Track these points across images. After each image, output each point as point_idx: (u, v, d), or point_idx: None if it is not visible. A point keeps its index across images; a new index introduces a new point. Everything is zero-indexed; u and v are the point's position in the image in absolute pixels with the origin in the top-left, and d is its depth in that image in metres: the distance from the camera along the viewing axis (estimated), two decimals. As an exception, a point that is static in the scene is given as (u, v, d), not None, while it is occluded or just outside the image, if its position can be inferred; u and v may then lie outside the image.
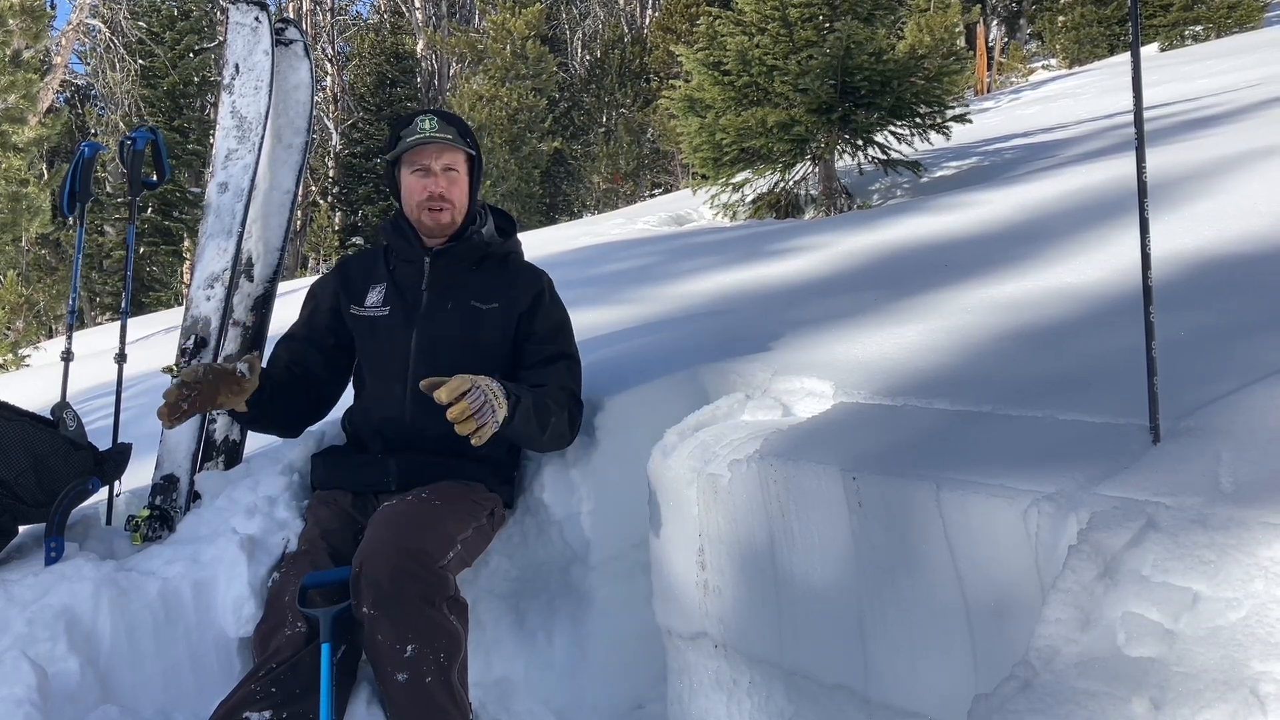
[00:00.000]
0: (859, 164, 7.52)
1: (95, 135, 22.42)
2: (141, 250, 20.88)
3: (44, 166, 17.42)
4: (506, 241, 2.54)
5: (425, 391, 2.03)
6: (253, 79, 2.75)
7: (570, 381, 2.41)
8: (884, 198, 7.71)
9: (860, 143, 7.21)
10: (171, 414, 2.13)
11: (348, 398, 2.57)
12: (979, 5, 22.39)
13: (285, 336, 2.55)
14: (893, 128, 7.27)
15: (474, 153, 2.46)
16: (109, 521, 2.48)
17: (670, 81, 8.76)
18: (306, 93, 2.94)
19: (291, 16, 22.13)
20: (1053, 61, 22.00)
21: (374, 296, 2.46)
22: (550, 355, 2.41)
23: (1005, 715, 1.26)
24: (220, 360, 2.59)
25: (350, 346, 2.51)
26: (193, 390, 2.14)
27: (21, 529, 2.27)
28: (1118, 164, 4.78)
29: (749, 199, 7.78)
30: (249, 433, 2.86)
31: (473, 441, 2.04)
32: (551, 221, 21.02)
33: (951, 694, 1.73)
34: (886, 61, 6.91)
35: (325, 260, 26.01)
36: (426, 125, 2.37)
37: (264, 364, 2.46)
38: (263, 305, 2.83)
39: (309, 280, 2.65)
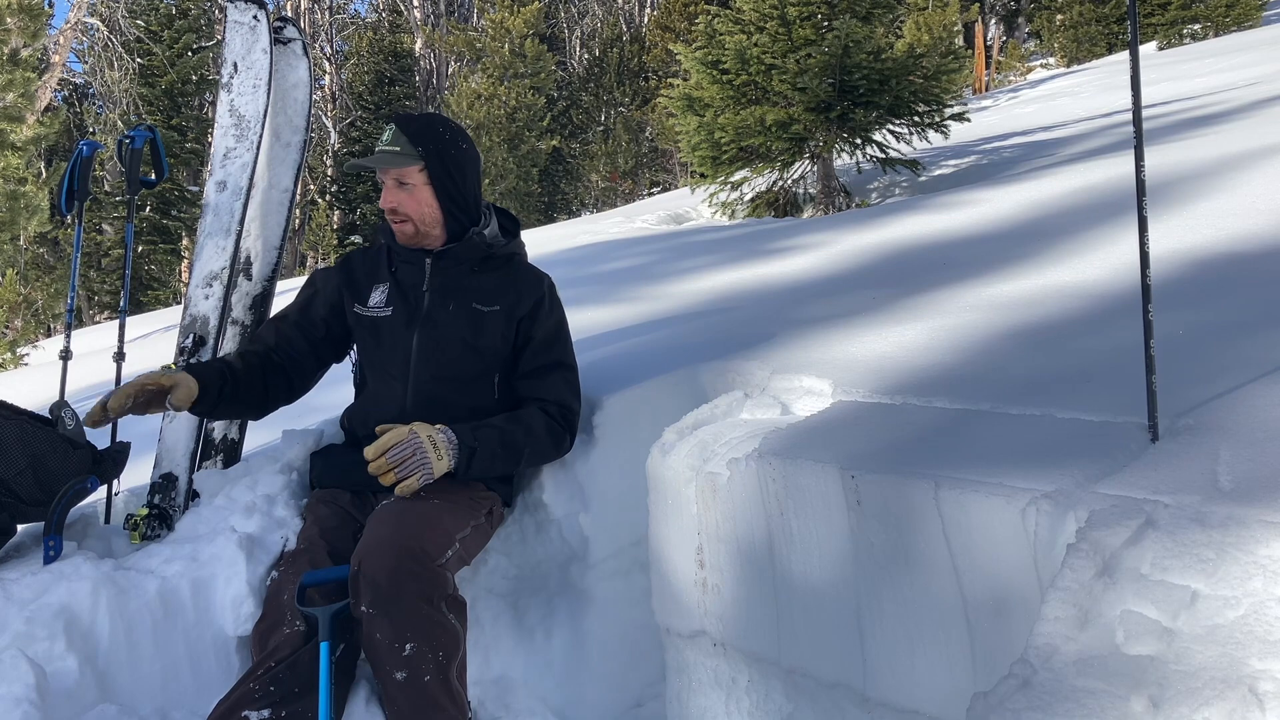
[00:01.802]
0: (857, 162, 7.52)
1: (93, 134, 22.39)
2: (140, 249, 20.86)
3: (42, 165, 17.41)
4: (510, 243, 2.52)
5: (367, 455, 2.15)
6: (251, 77, 2.74)
7: (563, 393, 2.41)
8: (882, 196, 7.71)
9: (859, 141, 7.21)
10: (96, 426, 2.15)
11: (346, 396, 2.57)
12: (977, 4, 22.39)
13: (276, 317, 2.54)
14: (891, 126, 7.28)
15: (424, 162, 2.34)
16: (107, 520, 2.48)
17: (669, 80, 8.76)
18: (305, 91, 2.94)
19: (290, 15, 22.11)
20: (1051, 60, 22.01)
21: (377, 296, 2.45)
22: (545, 365, 2.41)
23: (1004, 713, 1.26)
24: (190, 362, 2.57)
25: (339, 341, 2.51)
26: (118, 415, 2.16)
27: (20, 528, 2.27)
28: (1116, 163, 4.78)
29: (747, 197, 7.79)
30: (247, 432, 2.86)
31: (397, 491, 2.14)
32: (550, 220, 21.02)
33: (950, 692, 1.73)
34: (885, 60, 6.91)
35: (324, 259, 26.01)
36: (384, 138, 2.37)
37: (250, 345, 2.49)
38: (261, 304, 2.83)
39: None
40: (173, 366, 2.55)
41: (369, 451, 2.13)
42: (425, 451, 2.16)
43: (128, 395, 2.13)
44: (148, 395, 2.17)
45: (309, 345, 2.48)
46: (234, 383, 2.33)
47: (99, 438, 2.45)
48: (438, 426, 2.21)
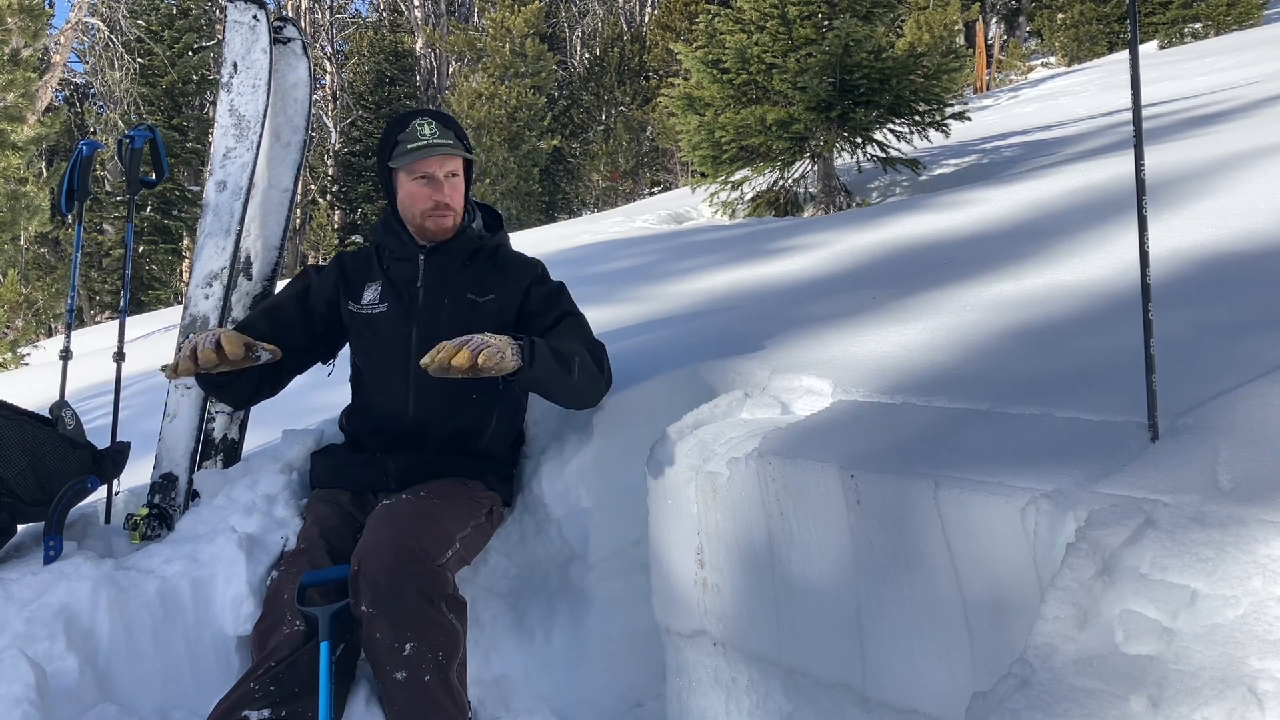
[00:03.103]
0: (858, 162, 7.51)
1: (94, 133, 22.39)
2: (140, 249, 20.87)
3: (43, 165, 17.42)
4: (496, 235, 2.54)
5: (427, 368, 2.01)
6: (251, 77, 2.75)
7: (584, 334, 2.41)
8: (883, 195, 7.71)
9: (859, 140, 7.21)
10: (179, 375, 2.16)
11: (346, 396, 2.57)
12: (978, 3, 22.38)
13: (268, 307, 2.52)
14: (892, 125, 7.27)
15: (471, 155, 2.46)
16: (107, 520, 2.49)
17: (669, 79, 8.76)
18: (305, 91, 2.94)
19: (290, 14, 22.12)
20: (1052, 59, 22.01)
21: (370, 294, 2.45)
22: (554, 319, 2.41)
23: (1003, 713, 1.26)
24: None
25: (333, 337, 2.51)
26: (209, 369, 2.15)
27: (20, 528, 2.27)
28: (1117, 162, 4.78)
29: (748, 197, 7.78)
30: (247, 431, 2.85)
31: (482, 360, 1.98)
32: (551, 219, 21.03)
33: (950, 691, 1.73)
34: (885, 59, 6.91)
35: (324, 258, 26.00)
36: (428, 130, 2.37)
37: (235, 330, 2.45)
38: (261, 304, 2.82)
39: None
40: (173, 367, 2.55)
41: (425, 359, 2.01)
42: (489, 338, 2.04)
43: (239, 340, 2.15)
44: (246, 349, 2.17)
45: (308, 339, 2.48)
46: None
47: (98, 438, 2.45)
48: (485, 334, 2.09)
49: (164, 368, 2.53)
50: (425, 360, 2.01)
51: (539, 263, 2.56)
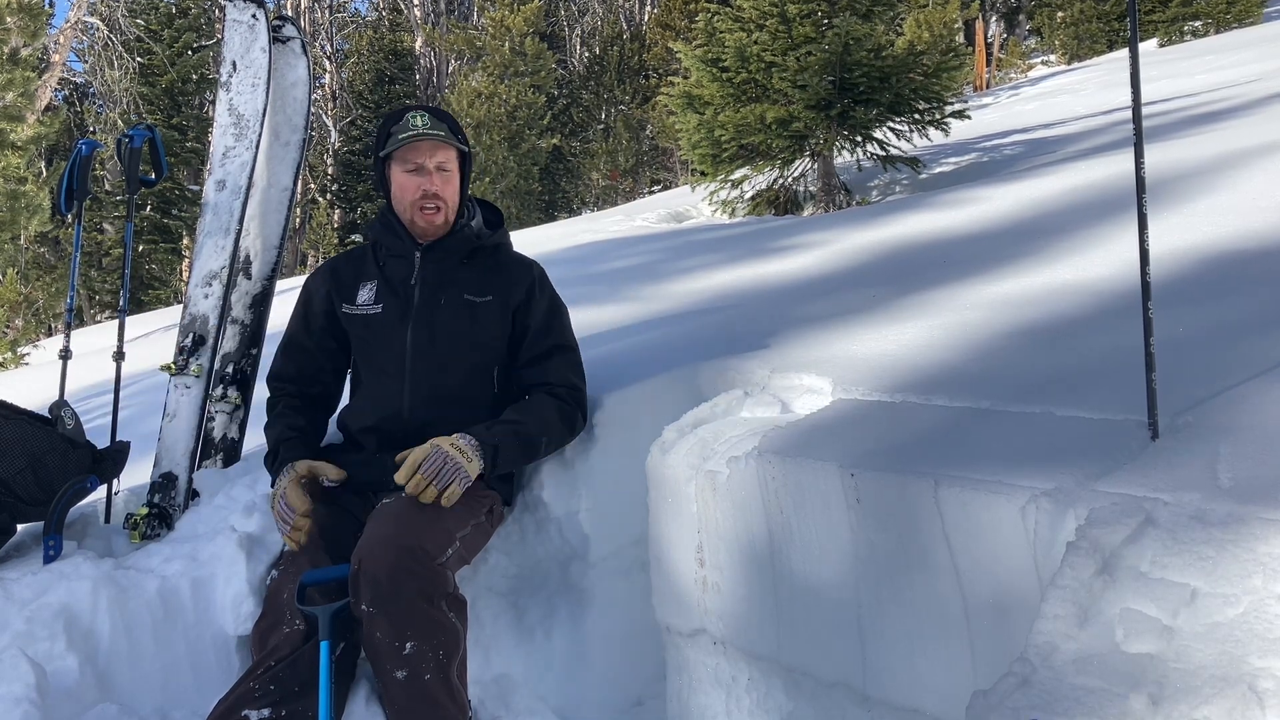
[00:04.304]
0: (858, 160, 7.51)
1: (93, 133, 22.39)
2: (140, 248, 20.88)
3: (42, 164, 17.41)
4: (495, 234, 2.53)
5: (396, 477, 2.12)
6: (250, 76, 2.74)
7: (568, 375, 2.42)
8: (883, 194, 7.71)
9: (859, 139, 7.20)
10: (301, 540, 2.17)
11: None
12: (978, 1, 22.37)
13: (289, 345, 2.51)
14: (891, 124, 7.26)
15: (465, 149, 2.46)
16: (107, 519, 2.48)
17: (669, 78, 8.75)
18: (304, 90, 2.94)
19: (289, 14, 22.06)
20: (1052, 57, 22.01)
21: (365, 294, 2.44)
22: (546, 350, 2.41)
23: (1003, 712, 1.25)
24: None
25: (346, 346, 2.50)
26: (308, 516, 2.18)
27: (20, 527, 2.27)
28: (1117, 160, 4.77)
29: (748, 195, 7.78)
30: (247, 431, 2.85)
31: (443, 500, 2.11)
32: (551, 218, 21.01)
33: (950, 690, 1.73)
34: (885, 58, 6.91)
35: (324, 258, 26.02)
36: (419, 122, 2.36)
37: (282, 386, 2.50)
38: (261, 303, 2.83)
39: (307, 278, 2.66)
40: (171, 367, 2.55)
41: (400, 476, 2.10)
42: (454, 458, 2.14)
43: (303, 494, 2.18)
44: (313, 491, 2.23)
45: (329, 362, 2.51)
46: (319, 438, 2.45)
47: (98, 438, 2.45)
48: (455, 435, 2.20)
49: (164, 367, 2.52)
50: (400, 478, 2.11)
51: (537, 266, 2.54)
